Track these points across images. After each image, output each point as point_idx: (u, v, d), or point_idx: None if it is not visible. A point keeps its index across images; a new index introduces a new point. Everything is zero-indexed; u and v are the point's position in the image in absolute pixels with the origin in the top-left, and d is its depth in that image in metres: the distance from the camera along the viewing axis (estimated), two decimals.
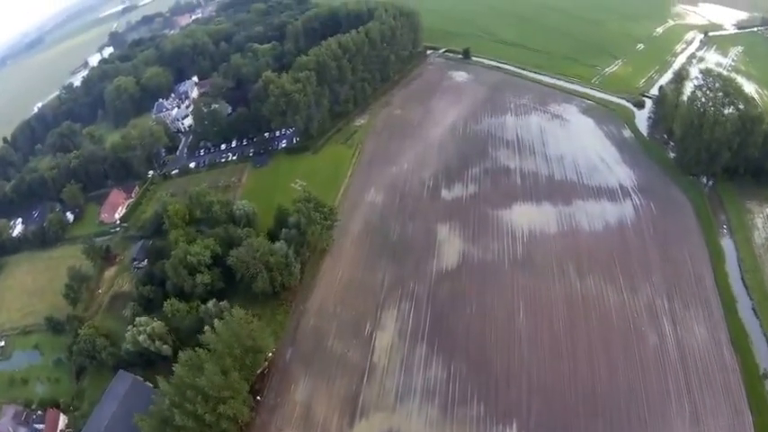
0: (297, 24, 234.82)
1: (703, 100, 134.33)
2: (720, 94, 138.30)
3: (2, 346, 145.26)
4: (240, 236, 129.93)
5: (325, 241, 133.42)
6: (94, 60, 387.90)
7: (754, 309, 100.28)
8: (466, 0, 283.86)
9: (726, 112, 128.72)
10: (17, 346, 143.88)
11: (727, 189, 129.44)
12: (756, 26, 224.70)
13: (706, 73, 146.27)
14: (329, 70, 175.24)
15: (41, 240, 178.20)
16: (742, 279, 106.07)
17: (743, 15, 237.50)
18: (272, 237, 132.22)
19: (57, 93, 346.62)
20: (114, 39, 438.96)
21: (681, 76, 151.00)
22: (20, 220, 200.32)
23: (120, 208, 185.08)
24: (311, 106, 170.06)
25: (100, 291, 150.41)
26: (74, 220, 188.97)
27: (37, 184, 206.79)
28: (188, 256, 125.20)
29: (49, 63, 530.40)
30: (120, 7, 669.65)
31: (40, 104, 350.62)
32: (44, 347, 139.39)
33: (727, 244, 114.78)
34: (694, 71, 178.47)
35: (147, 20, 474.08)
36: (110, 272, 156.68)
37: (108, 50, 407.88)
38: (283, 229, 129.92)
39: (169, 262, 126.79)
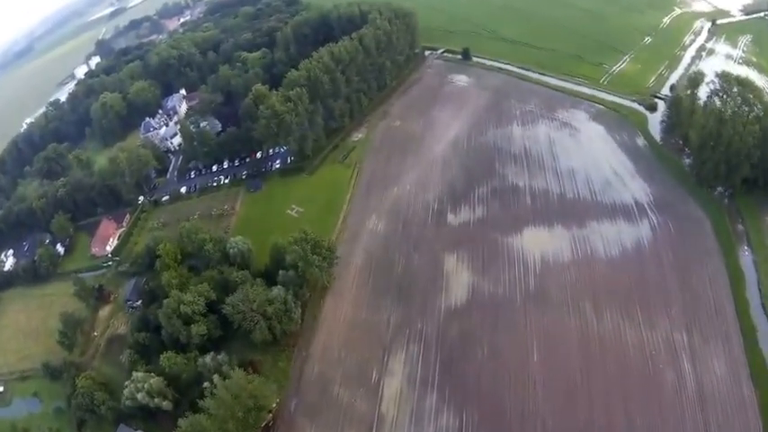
0: (286, 31, 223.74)
1: (721, 109, 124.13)
2: (739, 99, 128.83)
3: (1, 392, 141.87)
4: (236, 280, 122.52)
5: (326, 279, 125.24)
6: (81, 72, 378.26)
7: None
8: None
9: (745, 120, 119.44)
10: (16, 393, 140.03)
11: (746, 202, 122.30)
12: (763, 11, 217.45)
13: (723, 77, 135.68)
14: (322, 85, 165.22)
15: (33, 275, 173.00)
16: (762, 305, 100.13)
17: (749, 0, 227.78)
18: (269, 276, 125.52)
19: (44, 109, 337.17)
20: (101, 47, 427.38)
21: (695, 81, 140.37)
22: (11, 251, 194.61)
23: (111, 239, 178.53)
24: (304, 126, 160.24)
25: (95, 334, 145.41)
26: (65, 253, 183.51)
27: (25, 215, 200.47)
28: (181, 306, 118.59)
29: (39, 72, 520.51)
30: (108, 11, 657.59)
31: (28, 120, 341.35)
32: (43, 394, 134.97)
33: (747, 265, 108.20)
34: (708, 71, 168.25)
35: (134, 24, 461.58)
36: (104, 311, 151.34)
37: (95, 60, 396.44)
38: (280, 271, 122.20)
39: (162, 311, 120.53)
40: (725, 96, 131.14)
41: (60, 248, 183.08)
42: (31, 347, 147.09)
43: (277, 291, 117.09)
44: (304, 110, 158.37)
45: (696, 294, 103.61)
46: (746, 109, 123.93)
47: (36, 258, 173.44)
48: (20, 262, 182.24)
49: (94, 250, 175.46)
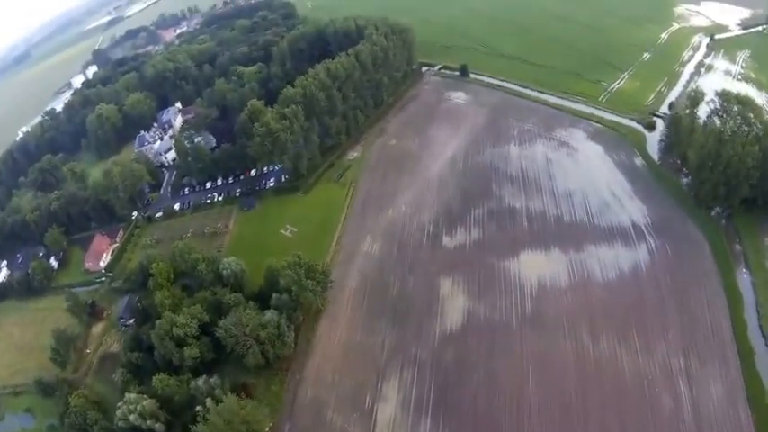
0: (283, 46, 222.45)
1: (721, 129, 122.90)
2: (738, 119, 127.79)
3: None
4: (228, 302, 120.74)
5: (320, 302, 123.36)
6: (78, 82, 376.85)
7: None
8: (460, 8, 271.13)
9: (744, 141, 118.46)
10: (9, 408, 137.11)
11: (744, 222, 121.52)
12: (761, 24, 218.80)
13: (723, 96, 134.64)
14: (318, 102, 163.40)
15: (27, 288, 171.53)
16: (760, 326, 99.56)
17: (746, 13, 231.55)
18: (263, 298, 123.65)
19: (40, 118, 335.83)
20: (98, 57, 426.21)
21: (695, 100, 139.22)
22: (5, 263, 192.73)
23: (104, 255, 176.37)
24: (299, 144, 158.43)
25: (88, 351, 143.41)
26: (58, 267, 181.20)
27: (19, 227, 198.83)
28: (174, 328, 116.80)
29: (36, 80, 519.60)
30: (105, 19, 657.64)
31: (24, 129, 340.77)
32: (36, 411, 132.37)
33: (745, 286, 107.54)
34: (707, 89, 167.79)
35: (131, 34, 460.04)
36: (97, 328, 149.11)
37: (92, 69, 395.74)
38: (274, 294, 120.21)
39: (155, 333, 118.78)
40: (724, 116, 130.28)
41: (54, 262, 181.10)
42: (25, 362, 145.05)
43: (270, 315, 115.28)
44: (299, 128, 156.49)
45: (694, 317, 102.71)
46: (746, 128, 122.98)
47: (30, 271, 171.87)
48: (14, 274, 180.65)
49: (88, 265, 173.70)
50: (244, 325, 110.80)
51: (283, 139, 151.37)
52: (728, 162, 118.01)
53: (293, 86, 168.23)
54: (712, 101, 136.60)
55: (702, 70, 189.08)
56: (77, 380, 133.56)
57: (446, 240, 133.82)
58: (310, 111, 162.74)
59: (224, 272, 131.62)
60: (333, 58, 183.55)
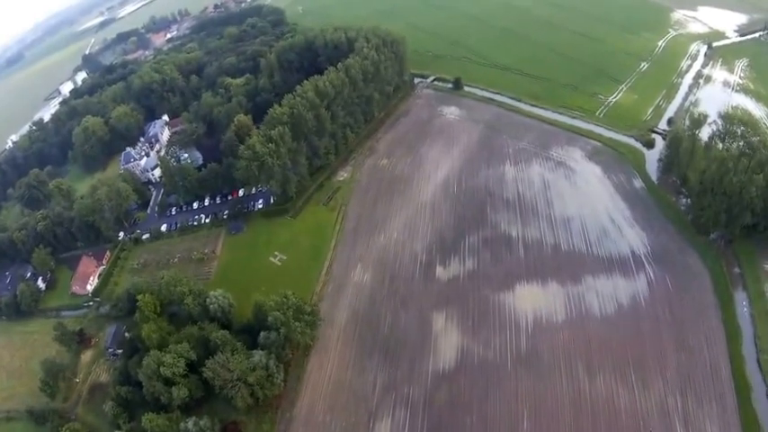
0: (271, 58, 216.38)
1: (724, 155, 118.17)
2: (741, 143, 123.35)
3: None
4: (216, 341, 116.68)
5: (309, 339, 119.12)
6: (67, 89, 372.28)
7: None
8: (450, 12, 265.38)
9: (747, 167, 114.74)
10: None
11: (745, 247, 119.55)
12: (758, 31, 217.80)
13: (725, 118, 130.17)
14: (306, 122, 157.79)
15: (16, 311, 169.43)
16: (758, 361, 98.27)
17: (743, 19, 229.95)
18: (251, 332, 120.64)
19: (29, 127, 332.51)
20: (88, 62, 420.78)
21: (698, 121, 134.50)
22: None
23: (91, 278, 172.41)
24: (287, 167, 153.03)
25: (77, 380, 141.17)
26: (46, 288, 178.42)
27: (6, 246, 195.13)
28: (161, 368, 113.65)
29: (27, 84, 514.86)
30: (97, 20, 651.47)
31: (14, 137, 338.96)
32: None
33: (744, 319, 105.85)
34: (706, 102, 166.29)
35: (122, 37, 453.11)
36: (86, 356, 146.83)
37: (81, 75, 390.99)
38: (262, 333, 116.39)
39: (142, 372, 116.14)
40: (727, 139, 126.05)
41: (41, 284, 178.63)
42: (16, 387, 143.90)
43: (258, 357, 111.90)
44: (287, 150, 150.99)
45: (692, 353, 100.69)
46: (749, 151, 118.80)
47: (18, 293, 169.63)
48: (2, 294, 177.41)
49: (75, 289, 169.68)
50: (230, 371, 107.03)
51: (270, 163, 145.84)
52: (731, 190, 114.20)
53: (281, 105, 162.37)
54: (715, 122, 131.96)
55: (701, 81, 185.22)
56: (68, 409, 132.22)
57: (439, 271, 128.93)
58: (298, 131, 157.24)
59: (211, 306, 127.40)
60: (322, 72, 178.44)
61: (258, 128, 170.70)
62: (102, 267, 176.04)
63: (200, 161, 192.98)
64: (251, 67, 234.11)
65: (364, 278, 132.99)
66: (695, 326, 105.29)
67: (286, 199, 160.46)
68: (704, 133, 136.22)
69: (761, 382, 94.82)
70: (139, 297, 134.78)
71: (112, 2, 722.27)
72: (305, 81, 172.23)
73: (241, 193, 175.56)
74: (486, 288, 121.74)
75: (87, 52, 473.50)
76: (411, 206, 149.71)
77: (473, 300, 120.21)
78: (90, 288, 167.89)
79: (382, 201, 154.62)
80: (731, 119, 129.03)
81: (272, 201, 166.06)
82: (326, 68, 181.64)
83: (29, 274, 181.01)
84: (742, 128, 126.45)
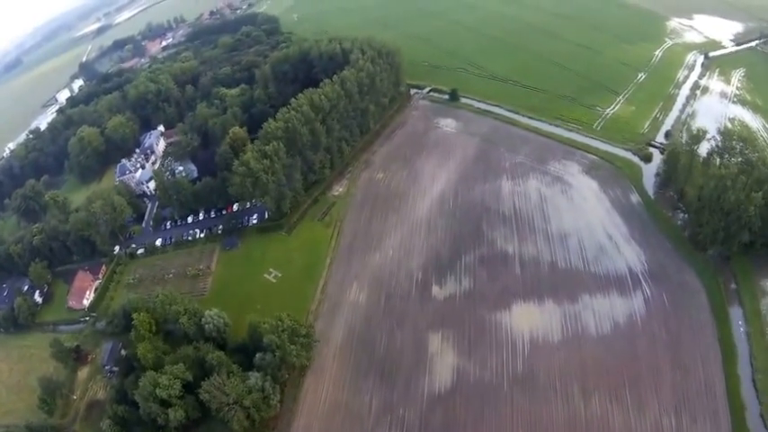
0: (265, 69, 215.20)
1: (723, 173, 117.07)
2: (740, 159, 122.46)
3: None
4: (212, 363, 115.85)
5: (305, 359, 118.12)
6: (63, 96, 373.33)
7: (762, 415, 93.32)
8: (451, 24, 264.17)
9: (745, 184, 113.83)
10: None
11: (742, 265, 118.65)
12: (754, 40, 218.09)
13: (724, 135, 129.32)
14: (301, 137, 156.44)
15: (13, 324, 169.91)
16: (753, 380, 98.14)
17: (738, 27, 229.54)
18: (246, 352, 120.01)
19: (25, 135, 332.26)
20: (84, 69, 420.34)
21: (696, 137, 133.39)
22: None
23: (87, 292, 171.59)
24: (282, 183, 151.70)
25: (75, 397, 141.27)
26: (43, 302, 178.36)
27: (3, 259, 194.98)
28: (157, 389, 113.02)
29: (25, 90, 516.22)
30: (95, 26, 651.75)
31: (11, 145, 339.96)
32: None
33: (740, 337, 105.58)
34: (703, 115, 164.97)
35: (118, 44, 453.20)
36: (82, 373, 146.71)
37: (78, 83, 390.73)
38: (258, 354, 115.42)
39: (138, 393, 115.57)
40: (726, 156, 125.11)
41: (38, 297, 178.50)
42: (15, 402, 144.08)
43: (254, 379, 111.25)
44: (281, 166, 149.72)
45: (687, 372, 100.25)
46: (748, 168, 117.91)
47: (15, 307, 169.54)
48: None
49: (71, 303, 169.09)
50: (227, 393, 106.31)
51: (264, 179, 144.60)
52: (730, 209, 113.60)
53: (275, 118, 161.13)
54: (713, 138, 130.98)
55: (698, 92, 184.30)
56: (66, 425, 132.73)
57: (435, 290, 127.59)
58: (293, 146, 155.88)
59: (206, 326, 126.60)
60: (317, 83, 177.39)
61: (253, 140, 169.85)
62: (97, 282, 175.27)
63: (195, 174, 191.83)
64: (246, 78, 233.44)
65: (360, 297, 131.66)
66: (691, 345, 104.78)
67: (281, 215, 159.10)
68: (702, 148, 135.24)
69: (755, 402, 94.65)
70: (135, 316, 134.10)
71: (110, 7, 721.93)
72: (300, 94, 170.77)
73: (236, 207, 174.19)
74: (483, 307, 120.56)
75: (84, 59, 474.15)
76: (407, 222, 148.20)
77: (469, 319, 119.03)
78: (86, 303, 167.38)
79: (378, 216, 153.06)
80: (730, 135, 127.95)
81: (266, 216, 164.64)
82: (322, 79, 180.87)
83: (26, 288, 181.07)
84: (740, 144, 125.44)
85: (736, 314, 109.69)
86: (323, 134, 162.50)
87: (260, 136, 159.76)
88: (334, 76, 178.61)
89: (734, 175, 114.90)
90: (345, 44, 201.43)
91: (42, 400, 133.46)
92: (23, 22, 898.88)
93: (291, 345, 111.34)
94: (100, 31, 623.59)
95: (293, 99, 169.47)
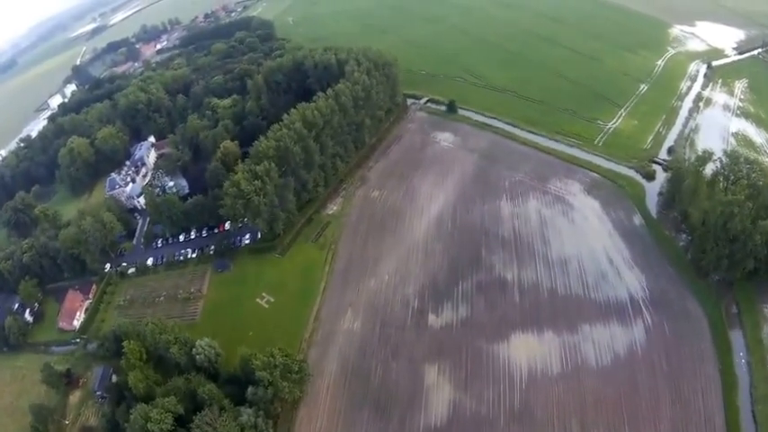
0: (258, 79, 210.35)
1: (729, 200, 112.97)
2: (746, 182, 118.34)
3: None
4: (204, 397, 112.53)
5: (299, 392, 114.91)
6: (56, 102, 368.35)
7: None
8: (448, 30, 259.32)
9: (750, 211, 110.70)
10: None
11: (745, 292, 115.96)
12: (756, 48, 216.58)
13: (730, 157, 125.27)
14: (293, 156, 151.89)
15: (5, 344, 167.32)
16: (752, 412, 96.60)
17: (741, 35, 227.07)
18: (238, 384, 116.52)
19: (16, 143, 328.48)
20: (78, 73, 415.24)
21: (702, 159, 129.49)
22: None
23: (78, 313, 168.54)
24: (274, 204, 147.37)
25: (67, 422, 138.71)
26: (34, 321, 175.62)
27: None
28: (148, 423, 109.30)
29: (19, 93, 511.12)
30: (90, 27, 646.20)
31: (2, 152, 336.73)
32: None
33: (741, 367, 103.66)
34: (706, 129, 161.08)
35: (112, 47, 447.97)
36: (74, 396, 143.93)
37: (70, 88, 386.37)
38: (250, 388, 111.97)
39: (130, 425, 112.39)
40: (732, 177, 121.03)
41: (29, 316, 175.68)
42: (7, 424, 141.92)
43: (247, 416, 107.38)
44: (273, 187, 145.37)
45: (687, 405, 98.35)
46: (755, 193, 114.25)
47: (5, 327, 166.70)
48: None
49: (62, 324, 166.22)
50: None
51: (256, 201, 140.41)
52: (735, 237, 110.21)
53: (267, 137, 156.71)
54: (719, 159, 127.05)
55: (701, 105, 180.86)
56: None
57: (432, 319, 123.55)
58: (285, 165, 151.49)
59: (198, 357, 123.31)
60: (311, 93, 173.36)
61: (245, 154, 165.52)
62: (88, 302, 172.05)
63: (186, 190, 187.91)
64: (238, 87, 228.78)
65: (354, 325, 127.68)
66: (691, 375, 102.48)
67: (273, 235, 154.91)
68: (708, 169, 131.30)
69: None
70: (125, 344, 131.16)
71: (105, 8, 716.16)
72: (292, 110, 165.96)
73: (228, 226, 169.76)
74: (480, 337, 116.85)
75: (78, 62, 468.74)
76: (403, 245, 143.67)
77: (466, 350, 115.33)
78: (77, 324, 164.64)
79: (373, 238, 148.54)
80: (736, 158, 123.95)
81: (259, 236, 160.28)
82: (316, 90, 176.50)
83: (16, 306, 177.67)
84: (747, 166, 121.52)
85: (737, 342, 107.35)
86: (316, 152, 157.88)
87: (251, 155, 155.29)
88: (329, 89, 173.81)
89: (741, 201, 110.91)
90: (341, 54, 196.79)
91: (34, 428, 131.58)
92: (18, 22, 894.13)
93: (284, 381, 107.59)
94: (95, 32, 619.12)
95: (285, 115, 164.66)
